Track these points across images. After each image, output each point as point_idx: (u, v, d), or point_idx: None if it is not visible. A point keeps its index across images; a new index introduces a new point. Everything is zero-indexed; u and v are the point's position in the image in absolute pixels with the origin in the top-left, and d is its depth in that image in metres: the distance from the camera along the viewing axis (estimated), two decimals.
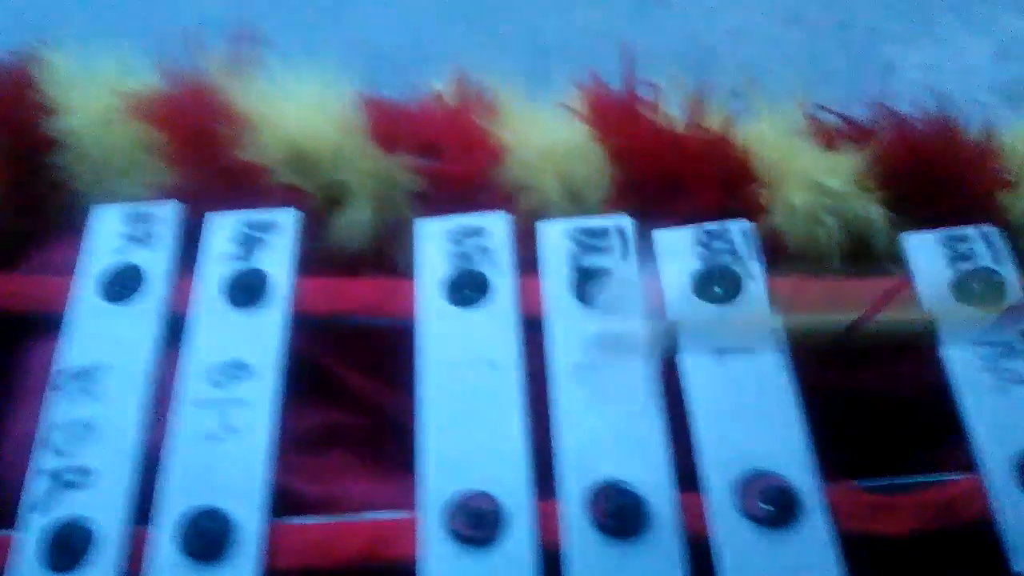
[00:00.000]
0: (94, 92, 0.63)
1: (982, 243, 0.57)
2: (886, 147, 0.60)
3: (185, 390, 0.53)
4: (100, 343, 0.55)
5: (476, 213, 0.59)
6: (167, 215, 0.60)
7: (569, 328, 0.54)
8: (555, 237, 0.58)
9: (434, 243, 0.58)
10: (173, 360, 0.54)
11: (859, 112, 0.63)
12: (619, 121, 0.62)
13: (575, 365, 0.53)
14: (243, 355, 0.54)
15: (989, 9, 1.16)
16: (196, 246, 0.58)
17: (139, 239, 0.59)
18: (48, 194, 0.63)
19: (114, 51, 0.63)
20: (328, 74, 0.63)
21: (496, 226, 0.59)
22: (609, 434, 0.50)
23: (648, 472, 0.49)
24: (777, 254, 0.59)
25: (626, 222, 0.58)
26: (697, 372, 0.53)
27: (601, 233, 0.58)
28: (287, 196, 0.60)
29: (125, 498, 0.49)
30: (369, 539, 0.48)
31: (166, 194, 0.61)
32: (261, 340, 0.54)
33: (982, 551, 0.48)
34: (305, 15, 1.15)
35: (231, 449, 0.51)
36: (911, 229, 0.58)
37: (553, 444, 0.50)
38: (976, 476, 0.49)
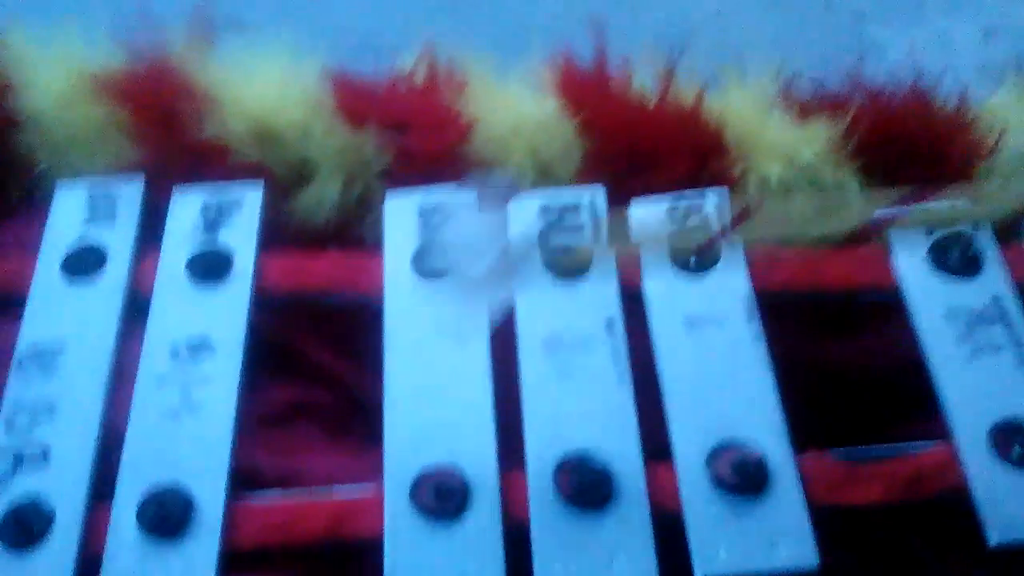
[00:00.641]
0: (56, 70, 0.62)
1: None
2: (860, 118, 0.59)
3: (147, 367, 0.52)
4: (62, 321, 0.54)
5: (445, 187, 0.58)
6: (131, 192, 0.59)
7: (538, 301, 0.54)
8: (525, 212, 0.57)
9: (403, 217, 0.57)
10: (137, 338, 0.53)
11: (834, 84, 0.63)
12: (590, 95, 0.61)
13: (543, 338, 0.52)
14: (207, 332, 0.53)
15: None
16: (160, 223, 0.57)
17: (102, 216, 0.58)
18: (10, 172, 0.62)
19: (76, 28, 0.62)
20: (295, 51, 0.62)
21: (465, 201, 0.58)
22: (577, 407, 0.50)
23: (616, 444, 0.48)
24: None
25: (599, 194, 0.58)
26: (669, 342, 0.52)
27: (572, 207, 0.57)
28: (253, 173, 0.59)
29: (85, 476, 0.48)
30: (333, 515, 0.47)
31: (130, 171, 0.60)
32: (225, 317, 0.54)
33: (955, 522, 0.47)
34: None
35: (193, 426, 0.50)
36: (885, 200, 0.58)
37: (522, 417, 0.49)
38: (949, 445, 0.48)
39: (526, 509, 0.46)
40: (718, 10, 1.16)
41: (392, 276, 0.55)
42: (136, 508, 0.47)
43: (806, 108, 0.61)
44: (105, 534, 0.47)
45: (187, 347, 0.52)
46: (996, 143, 0.61)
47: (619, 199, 0.57)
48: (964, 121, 0.61)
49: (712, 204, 0.56)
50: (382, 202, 0.58)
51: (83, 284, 0.55)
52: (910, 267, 0.55)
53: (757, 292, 0.54)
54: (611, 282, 0.54)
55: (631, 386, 0.50)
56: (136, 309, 0.54)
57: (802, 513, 0.46)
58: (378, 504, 0.47)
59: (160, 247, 0.57)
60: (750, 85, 0.62)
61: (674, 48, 0.63)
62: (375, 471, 0.48)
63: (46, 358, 0.52)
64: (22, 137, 0.62)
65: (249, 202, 0.58)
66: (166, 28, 0.63)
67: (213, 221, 0.57)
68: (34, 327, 0.54)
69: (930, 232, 0.56)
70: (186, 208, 0.58)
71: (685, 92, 0.62)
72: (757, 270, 0.55)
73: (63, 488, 0.48)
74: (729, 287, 0.54)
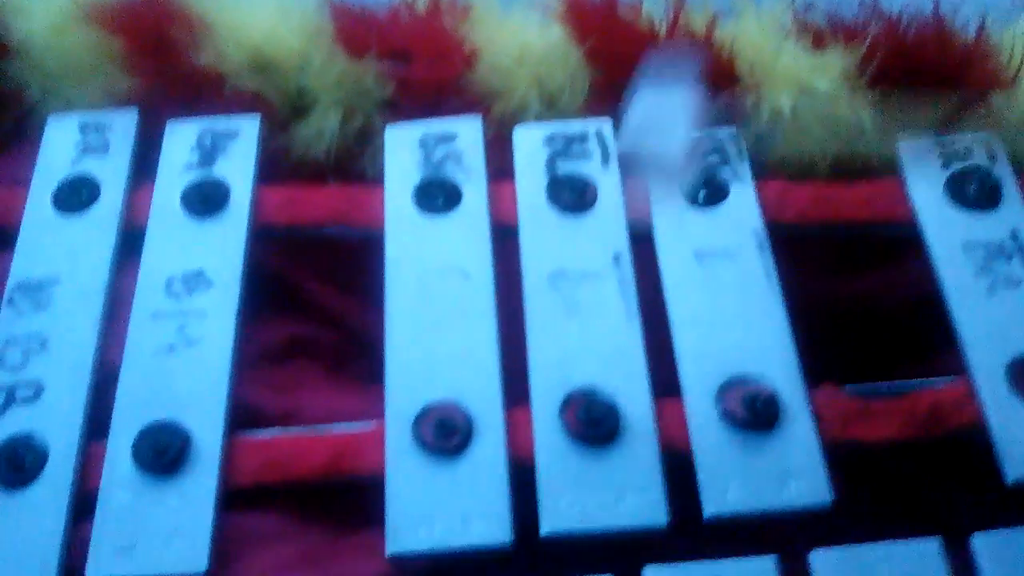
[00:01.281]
0: None
1: (979, 146, 0.55)
2: (876, 46, 0.57)
3: (142, 302, 0.50)
4: (54, 255, 0.52)
5: (448, 118, 0.57)
6: (124, 124, 0.57)
7: (544, 236, 0.52)
8: (531, 142, 0.56)
9: (404, 149, 0.56)
10: (131, 273, 0.52)
11: (849, 12, 0.60)
12: (597, 23, 0.59)
13: (549, 273, 0.51)
14: (203, 266, 0.52)
15: None
16: (155, 155, 0.56)
17: (95, 148, 0.56)
18: (0, 104, 0.60)
19: None
20: None
21: (468, 131, 0.56)
22: (583, 342, 0.48)
23: (624, 380, 0.47)
24: (764, 158, 0.56)
25: (606, 125, 0.56)
26: (679, 277, 0.51)
27: (580, 138, 0.56)
28: (250, 103, 0.58)
29: (79, 413, 0.47)
30: (333, 451, 0.46)
31: (124, 102, 0.58)
32: (221, 251, 0.52)
33: (972, 458, 0.46)
34: None
35: (190, 362, 0.48)
36: (902, 132, 0.56)
37: (527, 354, 0.48)
38: (966, 381, 0.47)
39: (531, 446, 0.45)
40: None
41: (393, 209, 0.53)
42: (132, 444, 0.46)
43: (821, 36, 0.59)
44: (100, 471, 0.46)
45: (183, 281, 0.51)
46: (1017, 72, 0.59)
47: None
48: (984, 50, 0.58)
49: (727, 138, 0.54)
50: (383, 134, 0.56)
51: (76, 217, 0.54)
52: (926, 200, 0.54)
53: (769, 226, 0.52)
54: (618, 216, 0.53)
55: (639, 321, 0.49)
56: (130, 243, 0.53)
57: (815, 450, 0.45)
58: (379, 440, 0.46)
59: (154, 179, 0.55)
60: (763, 13, 0.60)
61: None
62: (377, 409, 0.47)
63: (38, 293, 0.51)
64: (13, 67, 0.60)
65: (246, 133, 0.57)
66: None
67: (209, 153, 0.56)
68: (26, 261, 0.52)
69: (947, 164, 0.55)
70: (181, 140, 0.56)
71: (696, 20, 0.60)
72: (769, 203, 0.53)
73: (57, 425, 0.47)
74: (740, 220, 0.53)
